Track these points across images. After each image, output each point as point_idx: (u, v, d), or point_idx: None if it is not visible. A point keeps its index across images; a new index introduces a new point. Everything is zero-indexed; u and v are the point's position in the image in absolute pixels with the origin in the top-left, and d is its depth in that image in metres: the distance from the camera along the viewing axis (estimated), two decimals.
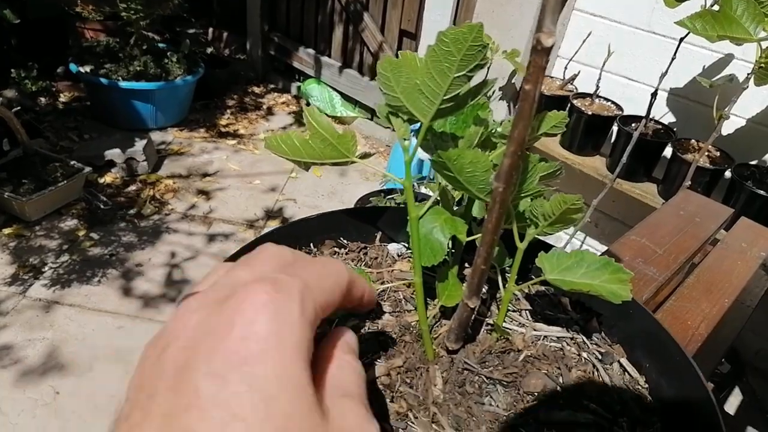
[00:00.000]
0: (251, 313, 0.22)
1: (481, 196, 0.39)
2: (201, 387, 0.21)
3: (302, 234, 0.48)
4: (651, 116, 1.51)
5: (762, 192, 1.40)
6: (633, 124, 1.64)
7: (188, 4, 3.07)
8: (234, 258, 0.42)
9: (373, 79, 2.91)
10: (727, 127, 1.61)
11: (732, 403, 1.48)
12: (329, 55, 3.09)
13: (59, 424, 1.47)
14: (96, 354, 1.66)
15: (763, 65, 1.17)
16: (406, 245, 0.52)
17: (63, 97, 2.92)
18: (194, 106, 3.01)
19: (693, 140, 1.61)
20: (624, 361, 0.43)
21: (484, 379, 0.40)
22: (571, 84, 1.86)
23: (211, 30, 3.64)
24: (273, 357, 0.22)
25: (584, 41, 1.77)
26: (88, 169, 2.22)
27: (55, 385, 1.56)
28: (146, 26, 2.67)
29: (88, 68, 2.62)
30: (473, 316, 0.41)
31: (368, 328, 0.43)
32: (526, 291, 0.49)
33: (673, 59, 1.33)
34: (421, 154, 0.40)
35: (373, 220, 0.53)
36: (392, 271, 0.50)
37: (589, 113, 1.69)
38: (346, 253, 0.51)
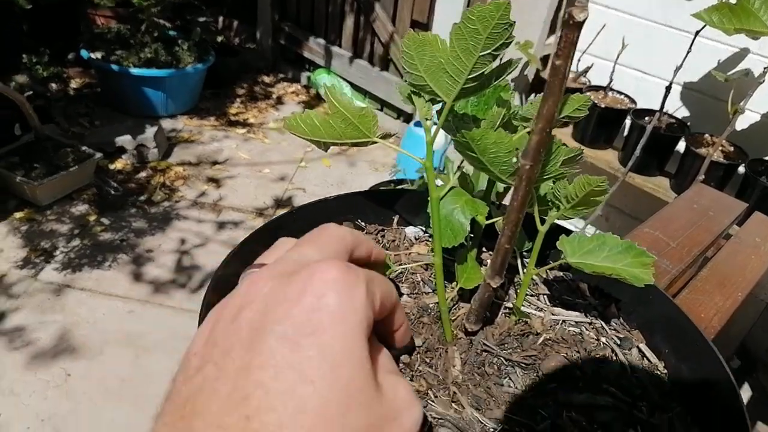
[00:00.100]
0: (321, 288, 0.24)
1: (503, 178, 0.38)
2: (275, 348, 0.22)
3: (321, 214, 0.48)
4: (664, 110, 1.50)
5: None
6: (646, 118, 1.63)
7: None
8: (245, 244, 0.42)
9: (384, 69, 2.90)
10: (742, 122, 1.59)
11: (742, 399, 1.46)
12: (340, 45, 3.08)
13: (70, 406, 1.49)
14: (107, 338, 1.68)
15: None
16: (423, 229, 0.52)
17: (74, 83, 2.93)
18: (204, 94, 3.01)
19: (707, 135, 1.60)
20: (643, 346, 0.43)
21: (503, 360, 0.40)
22: (584, 76, 1.85)
23: (221, 18, 3.64)
24: (340, 330, 0.23)
25: (598, 34, 1.75)
26: (99, 154, 2.23)
27: (66, 368, 1.58)
28: (157, 13, 2.67)
29: (99, 54, 2.63)
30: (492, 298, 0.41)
31: None
32: (544, 276, 0.49)
33: (688, 52, 1.31)
34: (434, 144, 0.40)
35: (390, 204, 0.53)
36: (410, 254, 0.50)
37: (602, 106, 1.67)
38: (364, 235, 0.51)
